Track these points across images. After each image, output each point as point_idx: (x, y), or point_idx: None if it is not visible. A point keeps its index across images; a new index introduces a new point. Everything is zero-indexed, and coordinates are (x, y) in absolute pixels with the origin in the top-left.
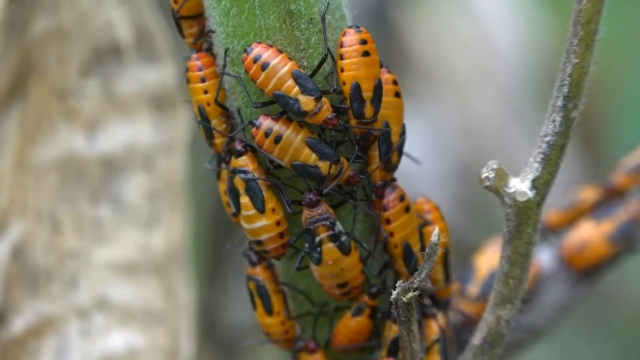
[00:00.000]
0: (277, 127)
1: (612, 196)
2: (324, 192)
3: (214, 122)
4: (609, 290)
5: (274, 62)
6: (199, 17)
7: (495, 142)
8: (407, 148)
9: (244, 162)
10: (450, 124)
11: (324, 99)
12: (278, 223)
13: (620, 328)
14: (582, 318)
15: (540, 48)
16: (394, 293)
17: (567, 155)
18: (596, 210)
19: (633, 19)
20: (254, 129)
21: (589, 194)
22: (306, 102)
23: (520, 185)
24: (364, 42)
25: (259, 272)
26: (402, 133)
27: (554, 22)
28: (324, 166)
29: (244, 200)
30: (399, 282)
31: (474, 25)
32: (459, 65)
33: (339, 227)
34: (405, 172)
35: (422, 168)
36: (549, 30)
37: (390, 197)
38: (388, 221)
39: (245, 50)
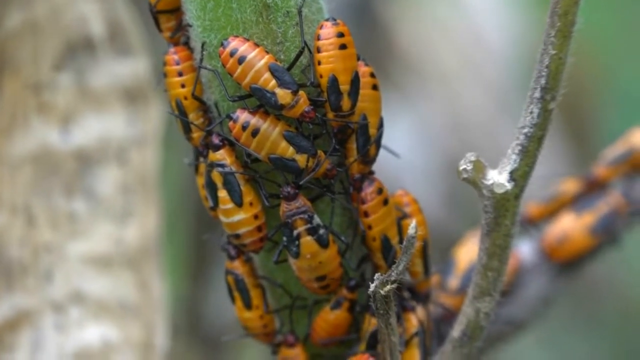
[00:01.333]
0: (254, 120)
1: (593, 188)
2: (301, 185)
3: (191, 116)
4: (597, 282)
5: (250, 55)
6: (176, 11)
7: (484, 136)
8: (394, 142)
9: (222, 155)
10: (438, 118)
11: (301, 92)
12: (256, 216)
13: (609, 320)
14: (570, 310)
15: (529, 42)
16: (372, 286)
17: (557, 149)
18: (577, 202)
19: (621, 13)
20: (231, 123)
21: (569, 186)
22: (283, 95)
23: (498, 177)
24: (340, 35)
25: (238, 266)
26: (380, 126)
27: (542, 16)
28: (301, 159)
29: (222, 194)
30: (376, 275)
31: (461, 18)
32: (447, 59)
33: (317, 220)
34: (392, 167)
35: (410, 163)
36: (537, 23)
37: (368, 190)
38: (366, 214)
39: (222, 44)
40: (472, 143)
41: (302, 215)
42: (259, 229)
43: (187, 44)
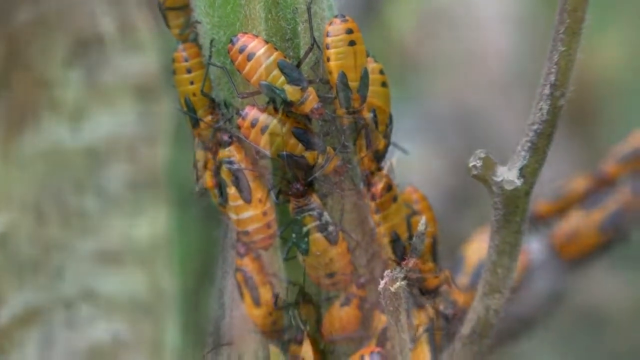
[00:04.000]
0: (263, 117)
1: (603, 185)
2: (311, 182)
3: (200, 113)
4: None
5: (259, 52)
6: (185, 8)
7: (489, 133)
8: (399, 139)
9: (231, 152)
10: (443, 115)
11: (310, 89)
12: (265, 213)
13: (617, 319)
14: (577, 310)
15: (535, 38)
16: (382, 283)
17: (565, 147)
18: (586, 199)
19: (629, 9)
20: (239, 120)
21: (578, 183)
22: (292, 92)
23: (508, 174)
24: (349, 31)
25: (247, 263)
26: (389, 122)
27: (546, 9)
28: (310, 156)
29: (231, 190)
30: (386, 272)
31: (467, 14)
32: (452, 56)
33: (326, 217)
34: (398, 165)
35: (415, 161)
36: (541, 17)
37: (377, 187)
38: (376, 210)
39: (231, 41)
40: (477, 140)
41: (311, 212)
42: (268, 225)
43: (195, 40)
